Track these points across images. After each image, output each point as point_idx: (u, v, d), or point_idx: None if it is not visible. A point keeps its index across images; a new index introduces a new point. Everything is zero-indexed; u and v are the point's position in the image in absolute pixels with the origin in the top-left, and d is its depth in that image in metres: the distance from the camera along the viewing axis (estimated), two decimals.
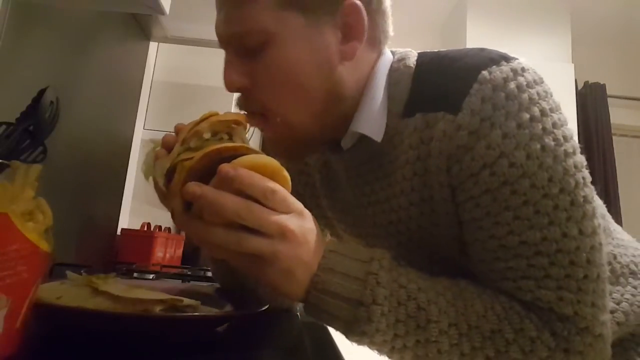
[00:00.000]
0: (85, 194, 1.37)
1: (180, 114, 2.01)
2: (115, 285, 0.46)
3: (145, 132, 1.88)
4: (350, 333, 0.45)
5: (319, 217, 0.79)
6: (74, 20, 1.24)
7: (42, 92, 0.83)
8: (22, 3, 0.99)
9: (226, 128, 0.47)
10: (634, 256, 0.66)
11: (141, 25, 1.73)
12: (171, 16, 1.36)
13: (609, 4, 3.16)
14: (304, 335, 0.53)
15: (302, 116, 0.55)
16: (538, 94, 0.50)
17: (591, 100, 3.26)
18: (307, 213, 0.47)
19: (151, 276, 1.13)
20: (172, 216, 0.45)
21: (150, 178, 0.47)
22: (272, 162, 0.45)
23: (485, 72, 0.50)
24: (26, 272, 0.32)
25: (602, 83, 3.32)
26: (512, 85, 0.49)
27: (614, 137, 3.27)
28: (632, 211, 3.16)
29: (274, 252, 0.43)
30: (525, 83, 0.50)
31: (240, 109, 0.57)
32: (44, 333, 0.40)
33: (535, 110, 0.49)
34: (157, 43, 1.94)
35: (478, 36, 3.01)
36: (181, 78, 1.99)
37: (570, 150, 0.50)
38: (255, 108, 0.56)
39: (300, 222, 0.45)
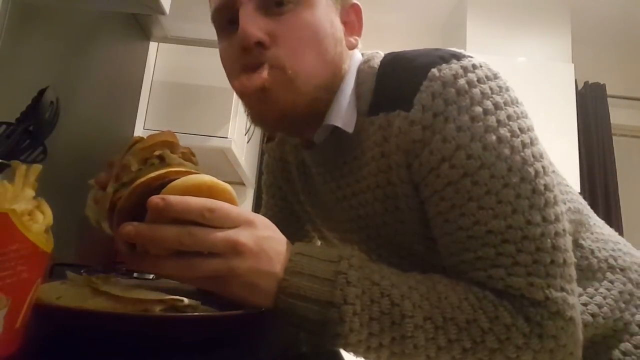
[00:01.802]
0: (85, 194, 1.37)
1: (180, 114, 2.03)
2: (116, 286, 0.46)
3: (145, 132, 1.89)
4: (324, 336, 0.44)
5: (301, 212, 0.81)
6: (74, 20, 1.24)
7: (42, 92, 0.83)
8: (22, 3, 0.99)
9: (155, 152, 0.44)
10: (613, 250, 0.66)
11: (141, 25, 1.73)
12: (171, 16, 1.36)
13: (609, 4, 3.16)
14: (303, 335, 0.53)
15: (311, 77, 0.55)
16: (491, 88, 0.52)
17: (591, 100, 3.26)
18: (260, 221, 0.45)
19: (151, 276, 1.13)
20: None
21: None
22: (205, 179, 0.42)
23: (434, 70, 0.52)
24: (26, 272, 0.32)
25: (602, 83, 3.32)
26: (462, 81, 0.51)
27: (614, 137, 3.26)
28: (632, 211, 3.16)
29: (230, 269, 0.41)
30: (476, 79, 0.51)
31: (246, 63, 0.55)
32: (44, 333, 0.40)
33: (488, 104, 0.51)
34: (157, 43, 1.94)
35: (478, 36, 3.01)
36: (181, 78, 1.99)
37: (528, 141, 0.51)
38: (265, 61, 0.54)
39: (251, 232, 0.43)
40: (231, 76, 0.58)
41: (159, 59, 1.98)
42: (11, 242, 0.31)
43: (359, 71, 0.61)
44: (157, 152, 0.44)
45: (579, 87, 3.20)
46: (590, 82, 3.32)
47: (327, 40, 0.57)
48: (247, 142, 2.44)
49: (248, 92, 0.54)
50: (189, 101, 1.96)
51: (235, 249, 0.41)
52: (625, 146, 3.48)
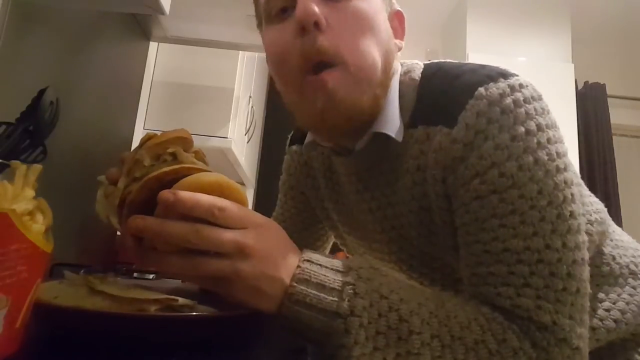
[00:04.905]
0: (85, 194, 1.37)
1: (180, 114, 2.03)
2: (113, 285, 0.46)
3: (145, 132, 1.88)
4: (328, 345, 0.44)
5: (323, 218, 0.80)
6: (74, 20, 1.24)
7: (42, 92, 0.83)
8: (22, 3, 0.99)
9: (168, 149, 0.44)
10: (633, 257, 0.66)
11: (141, 25, 1.73)
12: (171, 16, 1.36)
13: (609, 4, 3.16)
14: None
15: (370, 70, 0.54)
16: (535, 109, 0.51)
17: (591, 100, 3.26)
18: (269, 224, 0.45)
19: (151, 276, 1.13)
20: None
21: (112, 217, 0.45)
22: (218, 177, 0.42)
23: (481, 89, 0.51)
24: (26, 272, 0.32)
25: (602, 83, 3.32)
26: (509, 100, 0.51)
27: (614, 137, 3.26)
28: (632, 211, 3.16)
29: (235, 271, 0.41)
30: (522, 98, 0.51)
31: (306, 52, 0.53)
32: (43, 333, 0.40)
33: (532, 125, 0.50)
34: (157, 43, 1.94)
35: (478, 36, 3.01)
36: (181, 78, 1.99)
37: (562, 166, 0.51)
38: (324, 51, 0.52)
39: (260, 235, 0.42)
40: (283, 64, 0.56)
41: (159, 59, 1.98)
42: (11, 242, 0.31)
43: (400, 82, 0.60)
44: (170, 150, 0.44)
45: (579, 87, 3.21)
46: (590, 82, 3.32)
47: (382, 32, 0.57)
48: (247, 142, 2.44)
49: (317, 94, 0.53)
50: (189, 101, 1.96)
51: (242, 251, 0.41)
52: (625, 146, 3.48)
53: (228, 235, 0.41)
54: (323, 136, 0.65)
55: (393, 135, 0.57)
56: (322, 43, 0.52)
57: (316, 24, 0.52)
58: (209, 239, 0.40)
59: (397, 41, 0.62)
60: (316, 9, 0.51)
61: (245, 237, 0.41)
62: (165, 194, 0.39)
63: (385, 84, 0.57)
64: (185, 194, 0.39)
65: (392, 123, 0.57)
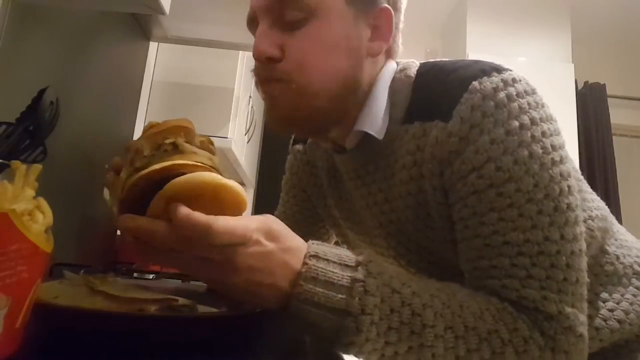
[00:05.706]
0: (85, 194, 1.37)
1: (180, 114, 2.01)
2: (113, 285, 0.46)
3: None
4: (337, 342, 0.43)
5: (325, 215, 0.81)
6: (74, 20, 1.24)
7: (42, 92, 0.83)
8: (22, 3, 0.99)
9: (168, 137, 0.43)
10: (637, 257, 0.66)
11: (141, 25, 1.73)
12: (171, 16, 1.36)
13: (609, 4, 3.16)
14: (303, 335, 0.53)
15: (318, 90, 0.56)
16: (529, 103, 0.52)
17: (591, 100, 3.26)
18: (265, 232, 0.42)
19: (151, 276, 1.13)
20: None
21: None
22: (212, 177, 0.40)
23: (475, 83, 0.52)
24: (26, 272, 0.32)
25: (602, 83, 3.32)
26: (502, 94, 0.51)
27: (614, 137, 3.26)
28: (632, 211, 3.16)
29: (225, 282, 0.41)
30: (515, 93, 0.52)
31: (257, 75, 0.58)
32: (43, 333, 0.40)
33: (525, 119, 0.51)
34: (157, 43, 1.94)
35: (478, 36, 3.01)
36: (181, 78, 1.99)
37: (558, 159, 0.51)
38: (274, 75, 0.56)
39: (253, 248, 0.41)
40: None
41: (159, 59, 1.98)
42: (11, 242, 0.31)
43: (394, 80, 0.61)
44: (170, 139, 0.43)
45: (579, 87, 3.21)
46: (590, 82, 3.32)
47: (337, 54, 0.56)
48: (247, 142, 2.44)
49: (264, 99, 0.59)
50: (189, 101, 1.96)
51: (230, 263, 0.40)
52: (625, 146, 3.48)
53: (216, 248, 0.39)
54: (297, 134, 0.68)
55: (373, 133, 0.59)
56: (275, 72, 0.56)
57: (269, 59, 0.55)
58: (197, 249, 0.39)
59: (377, 43, 0.59)
60: (266, 48, 0.55)
61: (234, 253, 0.40)
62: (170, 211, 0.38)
63: (343, 98, 0.58)
64: (180, 217, 0.37)
65: (375, 121, 0.59)
